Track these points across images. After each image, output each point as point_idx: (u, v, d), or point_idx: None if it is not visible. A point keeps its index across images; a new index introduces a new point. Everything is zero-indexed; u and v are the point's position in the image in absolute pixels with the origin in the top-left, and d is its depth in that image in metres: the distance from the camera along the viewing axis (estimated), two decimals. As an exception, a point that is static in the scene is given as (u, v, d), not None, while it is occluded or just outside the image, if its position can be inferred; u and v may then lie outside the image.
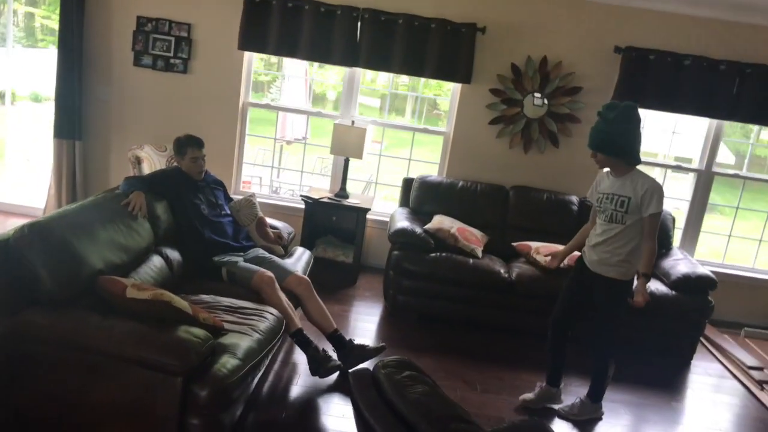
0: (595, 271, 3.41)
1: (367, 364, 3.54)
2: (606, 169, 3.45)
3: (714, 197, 5.66)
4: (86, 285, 2.75)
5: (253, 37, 5.11)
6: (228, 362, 2.65)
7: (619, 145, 3.24)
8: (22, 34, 12.84)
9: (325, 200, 5.11)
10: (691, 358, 4.60)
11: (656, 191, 3.22)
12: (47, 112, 5.36)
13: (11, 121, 9.41)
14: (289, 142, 8.78)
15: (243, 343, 2.85)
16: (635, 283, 3.39)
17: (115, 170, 5.48)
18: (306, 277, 3.86)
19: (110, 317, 2.59)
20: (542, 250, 4.60)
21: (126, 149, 5.06)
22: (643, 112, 5.27)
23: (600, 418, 3.63)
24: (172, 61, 5.31)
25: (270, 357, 3.38)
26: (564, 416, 3.60)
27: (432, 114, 14.22)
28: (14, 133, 8.62)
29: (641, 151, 3.34)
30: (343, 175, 5.30)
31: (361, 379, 1.84)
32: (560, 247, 4.56)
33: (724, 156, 9.62)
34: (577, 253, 3.73)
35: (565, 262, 4.16)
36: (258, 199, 5.57)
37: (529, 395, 3.69)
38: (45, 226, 2.68)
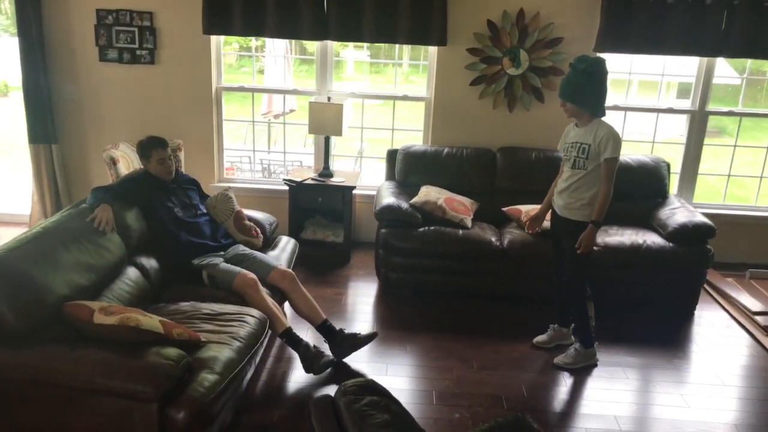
0: (562, 216, 3.64)
1: (330, 390, 3.44)
2: (574, 122, 3.63)
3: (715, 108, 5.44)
4: (53, 314, 2.68)
5: (217, 20, 4.91)
6: (205, 379, 2.59)
7: (587, 95, 3.45)
8: (9, 22, 12.62)
9: (309, 182, 4.99)
10: (694, 309, 4.51)
11: (612, 137, 3.40)
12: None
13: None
14: (276, 116, 8.59)
15: (222, 354, 2.78)
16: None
17: (95, 170, 5.37)
18: (290, 270, 3.78)
19: (78, 347, 2.53)
20: (533, 213, 4.46)
21: (102, 148, 4.94)
22: (629, 57, 5.15)
23: (595, 365, 3.74)
24: (138, 52, 5.14)
25: (258, 359, 3.34)
26: (561, 366, 3.71)
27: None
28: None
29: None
30: (325, 153, 5.16)
31: (322, 408, 1.76)
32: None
33: (725, 71, 9.30)
34: None
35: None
36: (242, 184, 5.52)
37: (542, 337, 3.95)
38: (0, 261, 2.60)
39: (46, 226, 3.00)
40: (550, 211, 3.84)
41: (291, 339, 3.42)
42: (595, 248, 3.66)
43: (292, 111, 8.75)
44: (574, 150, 3.53)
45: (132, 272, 3.36)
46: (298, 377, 3.50)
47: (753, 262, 5.26)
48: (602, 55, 4.81)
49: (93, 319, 2.60)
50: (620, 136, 3.45)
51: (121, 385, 2.41)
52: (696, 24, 4.72)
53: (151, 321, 2.68)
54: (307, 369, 3.41)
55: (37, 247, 2.80)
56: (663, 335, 4.20)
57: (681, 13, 4.70)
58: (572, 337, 3.94)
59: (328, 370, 3.51)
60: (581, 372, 3.69)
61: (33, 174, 5.31)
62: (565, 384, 3.58)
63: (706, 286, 4.80)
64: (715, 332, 4.27)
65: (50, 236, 2.92)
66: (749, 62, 5.39)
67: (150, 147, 3.67)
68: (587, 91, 3.43)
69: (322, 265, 5.02)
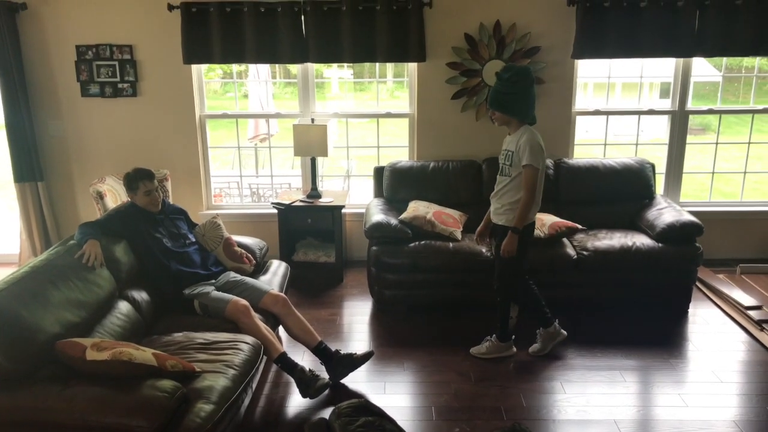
0: (493, 221, 3.78)
1: (328, 412, 3.35)
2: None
3: (697, 104, 5.51)
4: (45, 353, 2.67)
5: (197, 49, 4.95)
6: (202, 409, 2.58)
7: (513, 103, 3.53)
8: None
9: (298, 204, 5.00)
10: (687, 308, 4.53)
11: (529, 144, 3.48)
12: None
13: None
14: (263, 140, 8.62)
15: (217, 383, 2.77)
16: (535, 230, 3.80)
17: (83, 206, 5.38)
18: (282, 294, 3.78)
19: (72, 385, 2.52)
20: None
21: (88, 183, 4.95)
22: (608, 62, 5.21)
23: (511, 357, 3.90)
24: (120, 86, 5.16)
25: (254, 385, 3.33)
26: (476, 356, 3.91)
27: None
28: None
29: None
30: (312, 174, 5.18)
31: (317, 430, 1.76)
32: (539, 216, 4.52)
33: (705, 69, 9.41)
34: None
35: None
36: (231, 210, 5.53)
37: (536, 345, 3.95)
38: (-12, 303, 2.59)
39: (35, 265, 2.99)
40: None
41: (286, 364, 3.41)
42: (511, 255, 3.65)
43: (275, 133, 8.78)
44: (503, 157, 3.66)
45: (123, 306, 3.35)
46: (296, 402, 3.49)
47: (743, 257, 5.30)
48: (583, 60, 4.95)
49: (85, 355, 2.60)
50: (541, 145, 3.53)
51: (117, 420, 2.40)
52: (670, 25, 4.79)
53: (144, 354, 2.68)
54: (304, 393, 3.40)
55: (26, 286, 2.79)
56: (658, 336, 4.21)
57: (654, 15, 4.77)
58: (561, 332, 3.95)
59: (325, 392, 3.49)
60: (579, 378, 3.69)
61: (20, 213, 5.30)
62: (563, 391, 3.57)
63: (697, 283, 4.83)
64: (709, 329, 4.28)
65: (39, 275, 2.92)
66: (725, 60, 5.46)
67: (137, 179, 3.67)
68: (513, 99, 3.52)
69: (316, 286, 5.02)
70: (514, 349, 3.93)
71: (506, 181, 3.63)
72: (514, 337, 3.95)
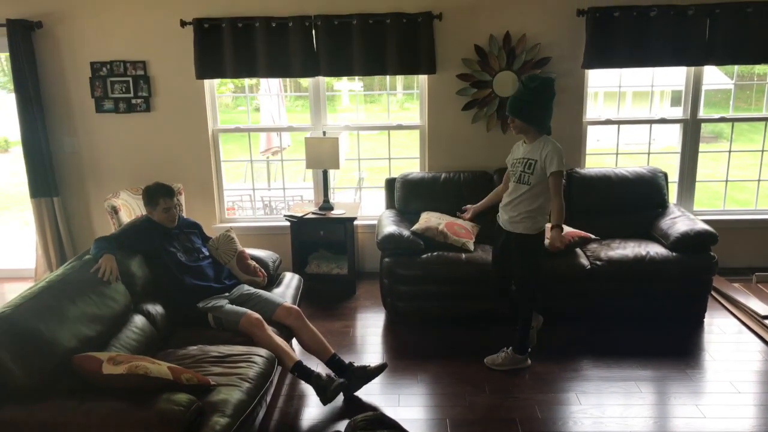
0: (506, 230, 3.78)
1: (342, 425, 3.41)
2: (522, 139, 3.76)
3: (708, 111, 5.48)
4: (62, 367, 2.70)
5: (209, 64, 5.00)
6: (217, 423, 2.59)
7: (534, 113, 3.57)
8: (7, 78, 12.87)
9: (310, 216, 5.02)
10: (703, 318, 4.49)
11: (556, 152, 3.54)
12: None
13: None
14: (275, 153, 8.67)
15: (232, 396, 2.78)
16: (548, 236, 3.69)
17: (98, 221, 5.43)
18: (295, 306, 3.79)
19: (88, 399, 2.53)
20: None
21: (103, 198, 5.00)
22: (618, 71, 5.20)
23: (526, 369, 3.87)
24: (133, 101, 5.22)
25: (269, 398, 3.34)
26: (490, 367, 3.90)
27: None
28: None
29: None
30: (324, 186, 5.20)
31: (333, 445, 1.76)
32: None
33: (717, 76, 9.37)
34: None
35: None
36: (243, 223, 5.55)
37: (497, 357, 3.95)
38: (7, 318, 2.61)
39: (51, 280, 3.03)
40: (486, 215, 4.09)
41: (302, 372, 3.42)
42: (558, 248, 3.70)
43: (288, 146, 8.83)
44: (521, 165, 3.67)
45: (138, 320, 3.38)
46: (310, 414, 3.49)
47: (758, 266, 5.26)
48: (591, 71, 4.94)
49: (102, 369, 2.61)
50: (563, 153, 3.59)
51: (133, 434, 2.41)
52: (680, 34, 4.79)
53: (160, 368, 2.69)
54: (323, 398, 3.39)
55: (43, 301, 2.82)
56: (674, 346, 4.17)
57: (664, 24, 4.77)
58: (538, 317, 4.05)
59: (340, 405, 3.49)
60: (595, 389, 3.66)
61: (36, 228, 5.35)
62: (579, 402, 3.55)
63: (713, 293, 4.78)
64: (726, 339, 4.24)
65: (55, 290, 2.94)
66: (737, 67, 5.44)
67: (158, 195, 3.69)
68: (535, 108, 3.56)
69: (329, 298, 5.03)
70: (529, 361, 3.92)
71: (524, 189, 3.65)
72: (530, 349, 3.93)
